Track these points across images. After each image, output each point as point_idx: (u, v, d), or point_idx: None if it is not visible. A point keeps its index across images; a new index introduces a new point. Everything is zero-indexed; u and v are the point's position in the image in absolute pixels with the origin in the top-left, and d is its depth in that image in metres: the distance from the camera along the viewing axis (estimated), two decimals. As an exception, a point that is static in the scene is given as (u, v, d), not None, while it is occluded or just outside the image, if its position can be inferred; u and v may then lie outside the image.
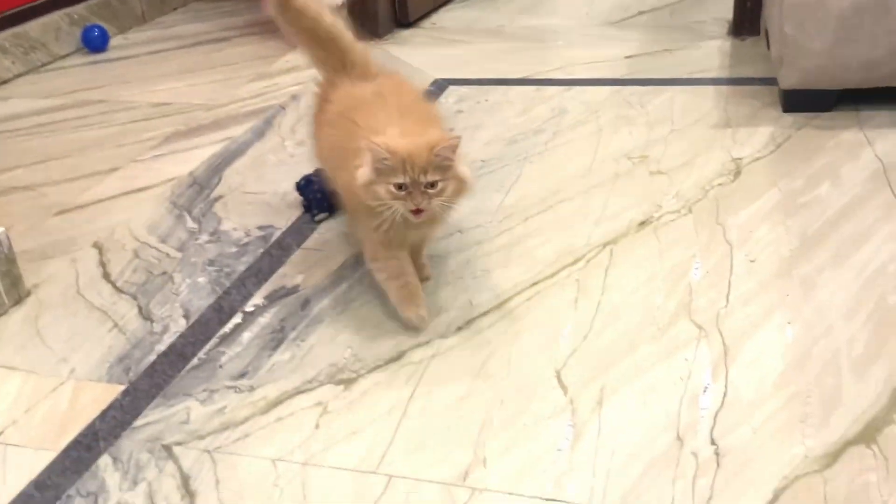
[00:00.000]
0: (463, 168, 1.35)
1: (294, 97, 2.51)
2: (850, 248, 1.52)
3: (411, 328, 1.45)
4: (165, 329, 1.54)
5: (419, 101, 1.60)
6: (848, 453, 1.11)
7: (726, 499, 1.07)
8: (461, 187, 1.35)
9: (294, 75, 2.70)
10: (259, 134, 2.32)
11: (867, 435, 1.13)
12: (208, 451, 1.24)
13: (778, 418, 1.18)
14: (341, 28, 1.59)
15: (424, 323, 1.45)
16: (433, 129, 1.42)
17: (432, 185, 1.30)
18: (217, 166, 2.15)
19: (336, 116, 1.52)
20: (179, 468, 1.22)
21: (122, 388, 1.40)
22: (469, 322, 1.47)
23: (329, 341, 1.46)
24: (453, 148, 1.30)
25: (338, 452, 1.22)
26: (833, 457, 1.11)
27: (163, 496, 1.17)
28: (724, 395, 1.24)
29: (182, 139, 2.34)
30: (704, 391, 1.25)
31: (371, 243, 1.48)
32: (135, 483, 1.20)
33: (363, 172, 1.32)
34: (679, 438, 1.17)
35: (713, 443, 1.15)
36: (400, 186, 1.29)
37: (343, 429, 1.26)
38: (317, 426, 1.27)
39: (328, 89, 1.61)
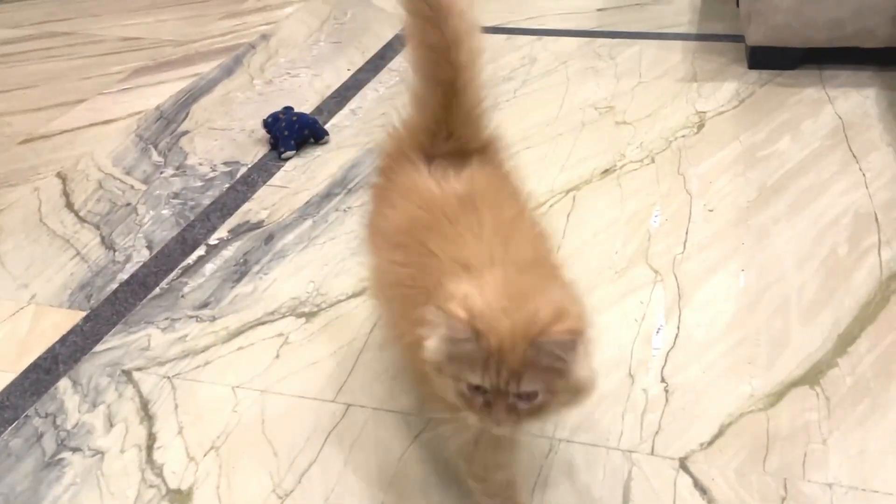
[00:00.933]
0: (582, 371, 0.79)
1: (264, 36, 2.46)
2: (805, 201, 1.53)
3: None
4: (128, 259, 1.51)
5: (526, 215, 1.00)
6: (792, 393, 1.13)
7: (673, 432, 1.09)
8: (574, 398, 0.81)
9: (264, 14, 2.64)
10: (228, 71, 2.27)
11: (811, 377, 1.15)
12: (168, 377, 1.23)
13: (727, 359, 1.20)
14: (475, 63, 0.98)
15: None
16: (549, 282, 0.85)
17: (527, 396, 0.77)
18: (184, 101, 2.10)
19: (400, 232, 0.97)
20: (139, 392, 1.21)
21: (83, 314, 1.38)
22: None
23: (292, 275, 1.44)
24: (572, 343, 0.76)
25: (297, 381, 1.22)
26: (777, 396, 1.13)
27: (121, 418, 1.17)
28: (676, 336, 1.25)
29: (150, 74, 2.29)
30: (657, 332, 1.26)
31: (462, 446, 0.94)
32: (94, 405, 1.19)
33: (432, 347, 0.80)
34: (630, 375, 1.18)
35: (663, 380, 1.17)
36: (476, 388, 0.78)
37: (303, 359, 1.26)
38: (277, 356, 1.27)
39: (396, 170, 1.03)
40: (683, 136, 1.79)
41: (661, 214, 1.54)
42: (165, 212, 1.65)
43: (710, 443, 1.07)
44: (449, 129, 1.00)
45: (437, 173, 0.98)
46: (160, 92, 2.16)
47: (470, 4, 0.95)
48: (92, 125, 2.02)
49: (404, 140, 1.03)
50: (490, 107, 1.02)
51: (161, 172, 1.79)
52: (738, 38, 2.17)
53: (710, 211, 1.54)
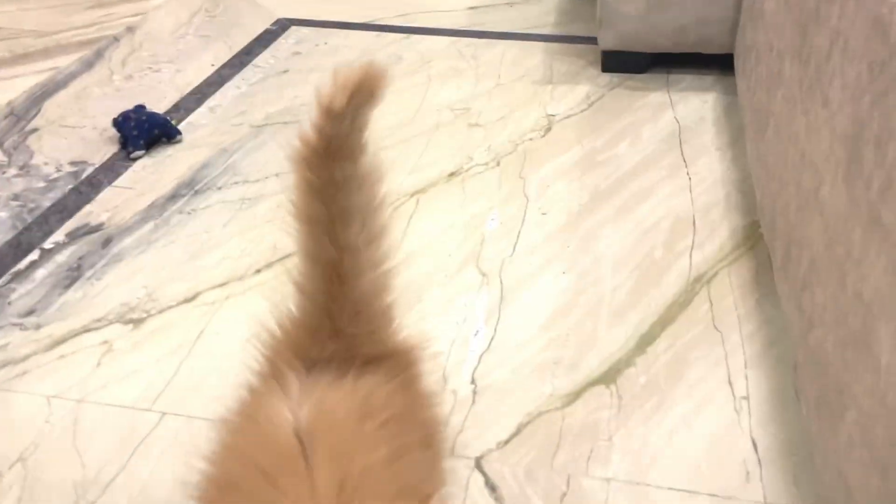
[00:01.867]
0: None
1: (129, 28, 2.41)
2: (632, 205, 1.61)
3: None
4: (-43, 263, 1.48)
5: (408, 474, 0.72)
6: (589, 392, 1.20)
7: (474, 433, 1.14)
8: None
9: (133, 5, 2.58)
10: (88, 65, 2.22)
11: (609, 376, 1.22)
12: (-18, 387, 1.22)
13: (536, 359, 1.26)
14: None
15: None
16: None
17: None
18: (38, 97, 2.05)
19: (213, 487, 0.71)
20: (-51, 405, 1.20)
21: None
22: (269, 265, 1.48)
23: (125, 280, 1.44)
24: None
25: (115, 390, 1.22)
26: (575, 395, 1.19)
27: (-72, 432, 1.15)
28: (493, 337, 1.31)
29: (5, 66, 2.21)
30: (475, 334, 1.31)
31: None
32: None
33: None
34: (444, 378, 1.23)
35: (473, 382, 1.22)
36: None
37: (125, 367, 1.26)
38: (98, 364, 1.27)
39: (254, 387, 0.78)
40: (530, 140, 1.85)
41: (498, 218, 1.59)
42: (3, 214, 1.61)
43: (507, 441, 1.13)
44: (333, 326, 0.76)
45: (298, 395, 0.72)
46: (14, 86, 2.09)
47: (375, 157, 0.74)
48: (-63, 121, 1.96)
49: (277, 341, 0.78)
50: (398, 301, 0.81)
51: (3, 172, 1.75)
52: (595, 41, 2.24)
53: (544, 214, 1.60)
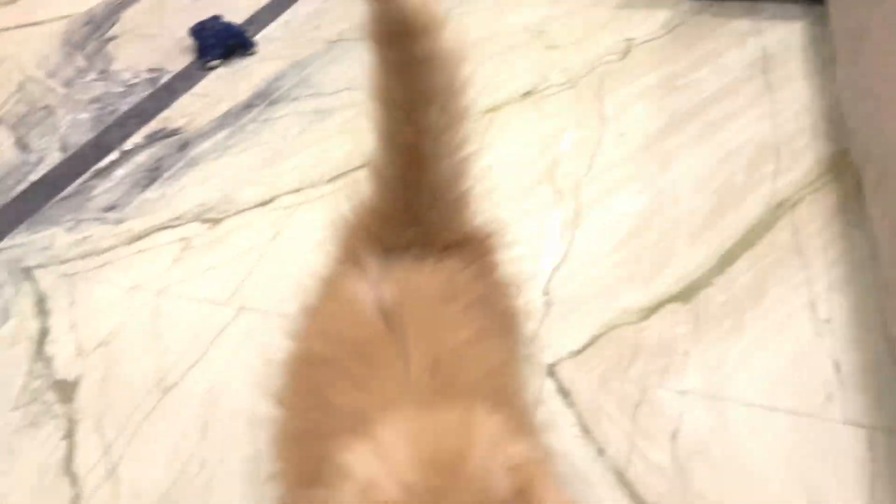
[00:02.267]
0: None
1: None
2: (713, 130, 1.55)
3: None
4: (41, 160, 1.51)
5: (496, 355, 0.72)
6: (664, 308, 1.17)
7: (547, 341, 1.13)
8: None
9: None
10: (164, -23, 2.22)
11: (685, 294, 1.20)
12: (67, 275, 1.25)
13: (610, 275, 1.24)
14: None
15: None
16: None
17: None
18: (116, 6, 2.06)
19: (301, 362, 0.72)
20: (37, 289, 1.23)
21: (-11, 212, 1.39)
22: (342, 174, 1.48)
23: (202, 183, 1.45)
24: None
25: (193, 285, 1.24)
26: (651, 311, 1.17)
27: (17, 312, 1.19)
28: (567, 252, 1.29)
29: (83, -23, 2.24)
30: (549, 249, 1.29)
31: None
32: (-10, 300, 1.22)
33: None
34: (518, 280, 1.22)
35: (546, 293, 1.21)
36: None
37: (202, 264, 1.28)
38: (176, 260, 1.29)
39: (334, 271, 0.78)
40: (607, 63, 1.80)
41: (573, 138, 1.56)
42: (83, 116, 1.64)
43: (580, 352, 1.11)
44: (411, 212, 0.74)
45: (378, 277, 0.71)
46: (92, -4, 2.12)
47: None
48: (20, 27, 1.98)
49: (355, 228, 0.78)
50: (477, 188, 0.77)
51: (83, 77, 1.77)
52: (677, -33, 2.16)
53: (621, 136, 1.56)
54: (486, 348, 0.69)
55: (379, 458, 0.52)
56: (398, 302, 0.68)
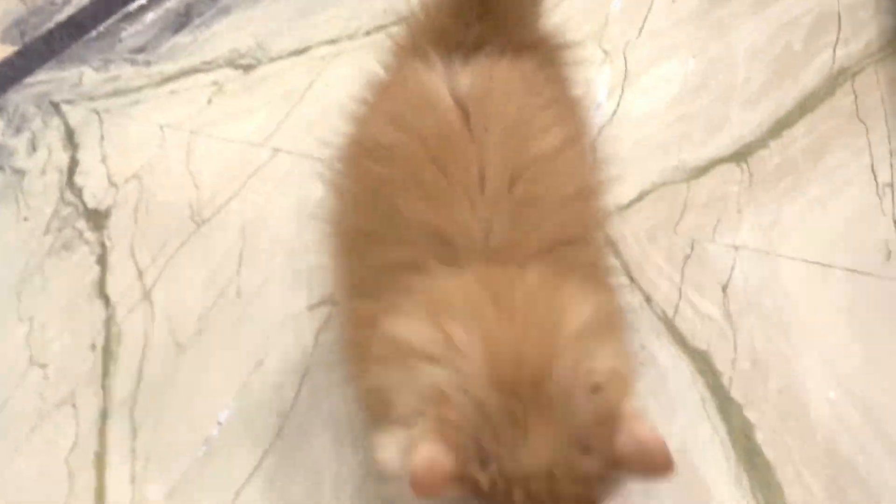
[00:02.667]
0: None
1: None
2: (768, 0, 1.47)
3: None
4: (67, 1, 1.45)
5: (570, 153, 0.65)
6: (717, 168, 1.12)
7: (593, 195, 1.08)
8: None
9: None
10: None
11: (739, 155, 1.14)
12: (96, 112, 1.21)
13: (660, 135, 1.18)
14: None
15: None
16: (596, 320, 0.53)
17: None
18: None
19: (367, 159, 0.66)
20: (65, 122, 1.19)
21: (14, 48, 1.33)
22: (379, 28, 1.41)
23: (234, 30, 1.39)
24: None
25: (227, 126, 1.19)
26: (702, 170, 1.12)
27: (45, 144, 1.15)
28: (615, 112, 1.23)
29: None
30: (596, 107, 1.24)
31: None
32: (18, 131, 1.17)
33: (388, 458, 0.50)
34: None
35: (591, 150, 1.16)
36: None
37: (236, 107, 1.23)
38: (209, 102, 1.23)
39: (396, 68, 0.74)
40: (660, -70, 1.70)
41: (623, 1, 1.48)
42: (111, -40, 1.56)
43: (628, 206, 1.07)
44: (480, 6, 0.68)
45: (447, 72, 0.64)
46: None
47: None
48: None
49: (420, 25, 0.72)
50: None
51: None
52: None
53: (673, 2, 1.47)
54: (567, 165, 0.64)
55: (452, 367, 0.48)
56: (476, 95, 0.62)
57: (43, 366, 0.90)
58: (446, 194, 0.58)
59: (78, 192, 1.07)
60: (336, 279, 0.67)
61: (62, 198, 1.06)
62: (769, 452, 0.79)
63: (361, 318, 0.58)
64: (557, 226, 0.58)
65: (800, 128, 1.18)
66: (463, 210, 0.57)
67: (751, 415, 0.82)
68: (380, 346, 0.51)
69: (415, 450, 0.45)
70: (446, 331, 0.49)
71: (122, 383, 0.88)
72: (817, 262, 0.98)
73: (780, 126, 1.19)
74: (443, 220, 0.57)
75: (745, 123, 1.20)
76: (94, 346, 0.91)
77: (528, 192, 0.58)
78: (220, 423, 0.83)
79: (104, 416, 0.85)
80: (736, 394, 0.84)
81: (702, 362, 0.88)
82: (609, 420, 0.46)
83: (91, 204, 1.06)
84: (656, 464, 0.45)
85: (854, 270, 0.97)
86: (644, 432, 0.46)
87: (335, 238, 0.67)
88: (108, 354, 0.90)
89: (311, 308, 0.94)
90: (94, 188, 1.08)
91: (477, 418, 0.46)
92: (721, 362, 0.87)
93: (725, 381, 0.85)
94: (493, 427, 0.45)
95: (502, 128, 0.60)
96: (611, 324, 0.53)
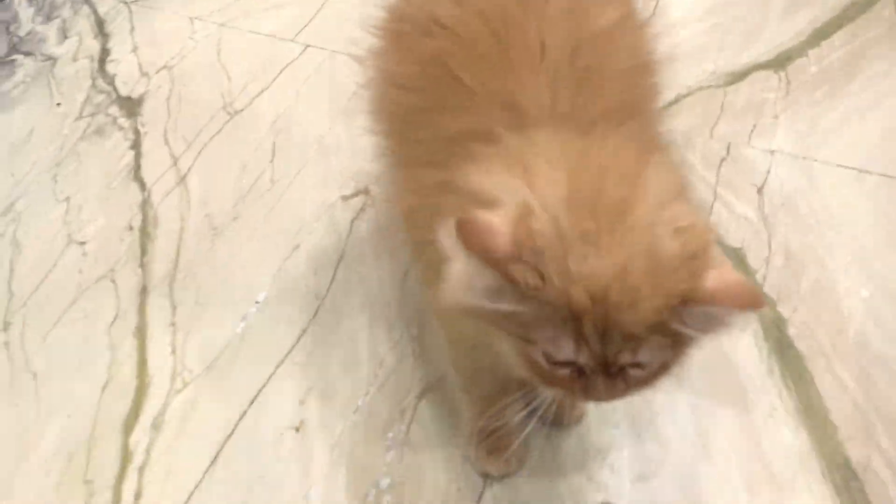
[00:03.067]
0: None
1: None
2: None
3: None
4: None
5: (631, 23, 0.65)
6: (754, 75, 1.10)
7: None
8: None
9: None
10: None
11: (777, 62, 1.12)
12: (125, 2, 1.19)
13: (696, 40, 1.16)
14: None
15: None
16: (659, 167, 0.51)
17: (638, 365, 0.49)
18: None
19: (416, 26, 0.63)
20: (94, 12, 1.17)
21: (40, -63, 1.30)
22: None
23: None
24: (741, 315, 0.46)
25: (257, 20, 1.17)
26: (740, 76, 1.10)
27: (76, 32, 1.13)
28: (651, 16, 1.20)
29: None
30: (632, 12, 1.21)
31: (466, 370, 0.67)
32: (48, 19, 1.15)
33: (455, 287, 0.48)
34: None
35: (629, 53, 1.14)
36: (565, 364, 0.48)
37: (266, 1, 1.21)
38: (240, -4, 1.22)
39: None
40: None
41: None
42: None
43: (664, 109, 1.05)
44: None
45: None
46: None
47: None
48: None
49: None
50: None
51: None
52: None
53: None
54: (625, 41, 0.61)
55: (534, 189, 0.46)
56: None
57: (81, 244, 0.91)
58: (510, 64, 0.56)
59: (110, 80, 1.06)
60: (391, 155, 0.67)
61: (94, 85, 1.05)
62: (801, 346, 0.79)
63: (427, 186, 0.57)
64: (619, 97, 0.57)
65: (839, 37, 1.16)
66: (528, 77, 0.56)
67: (783, 310, 0.82)
68: (455, 201, 0.50)
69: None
70: (527, 178, 0.47)
71: (160, 263, 0.88)
72: (853, 168, 0.97)
73: (819, 35, 1.16)
74: (509, 87, 0.55)
75: (783, 32, 1.17)
76: (131, 228, 0.91)
77: (589, 63, 0.57)
78: (257, 303, 0.84)
79: (143, 292, 0.86)
80: (769, 290, 0.84)
81: (735, 260, 0.88)
82: (696, 259, 0.45)
83: (123, 92, 1.05)
84: (747, 298, 0.44)
85: (890, 176, 0.96)
86: (734, 275, 0.45)
87: (385, 119, 0.66)
88: (145, 235, 0.91)
89: (346, 199, 0.94)
90: (125, 77, 1.07)
91: (552, 231, 0.44)
92: (755, 260, 0.87)
93: (759, 277, 0.86)
94: (564, 241, 0.44)
95: (560, 4, 0.59)
96: (686, 189, 0.52)
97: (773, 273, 0.86)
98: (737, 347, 0.79)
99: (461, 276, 0.45)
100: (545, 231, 0.44)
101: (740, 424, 0.73)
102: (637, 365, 0.48)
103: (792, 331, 0.80)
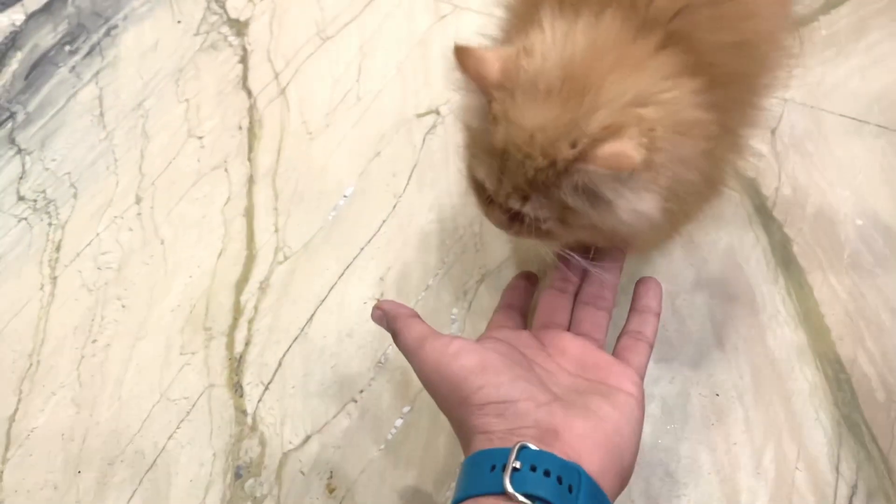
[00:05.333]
0: (634, 207, 0.42)
1: None
2: None
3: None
4: None
5: None
6: (772, 35, 1.05)
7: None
8: (626, 235, 0.47)
9: None
10: None
11: (793, 25, 1.06)
12: (234, -61, 1.13)
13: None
14: None
15: None
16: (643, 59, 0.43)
17: (517, 215, 0.47)
18: None
19: None
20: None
21: None
22: None
23: None
24: (617, 177, 0.40)
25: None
26: (759, 35, 1.05)
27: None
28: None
29: None
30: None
31: None
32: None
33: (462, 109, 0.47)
34: None
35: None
36: (477, 184, 0.48)
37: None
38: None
39: None
40: None
41: None
42: None
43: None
44: None
45: None
46: None
47: None
48: None
49: None
50: None
51: None
52: None
53: None
54: None
55: (544, 42, 0.42)
56: None
57: (199, 138, 0.88)
58: None
59: (222, 4, 1.02)
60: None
61: (208, 7, 1.01)
62: (802, 261, 0.77)
63: None
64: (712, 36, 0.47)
65: (846, 8, 1.09)
66: None
67: (789, 231, 0.79)
68: None
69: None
70: (549, 33, 0.43)
71: (264, 158, 0.86)
72: (854, 118, 0.93)
73: (829, 5, 1.10)
74: None
75: (799, 0, 1.11)
76: (240, 128, 0.89)
77: None
78: (345, 197, 0.82)
79: (251, 181, 0.84)
80: (777, 214, 0.81)
81: (749, 187, 0.84)
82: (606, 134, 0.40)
83: (233, 15, 1.01)
84: (613, 161, 0.39)
85: (885, 127, 0.92)
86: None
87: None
88: (252, 134, 0.88)
89: (419, 116, 0.90)
90: (234, 2, 1.03)
91: (530, 76, 0.41)
92: (766, 188, 0.84)
93: (769, 203, 0.82)
94: (530, 87, 0.41)
95: None
96: (684, 126, 0.43)
97: (781, 200, 0.83)
98: (749, 258, 0.76)
99: (463, 103, 0.45)
100: (528, 72, 0.41)
101: (749, 322, 0.72)
102: (515, 215, 0.46)
103: (795, 248, 0.78)
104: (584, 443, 0.40)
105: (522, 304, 0.56)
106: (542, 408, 0.42)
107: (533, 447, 0.39)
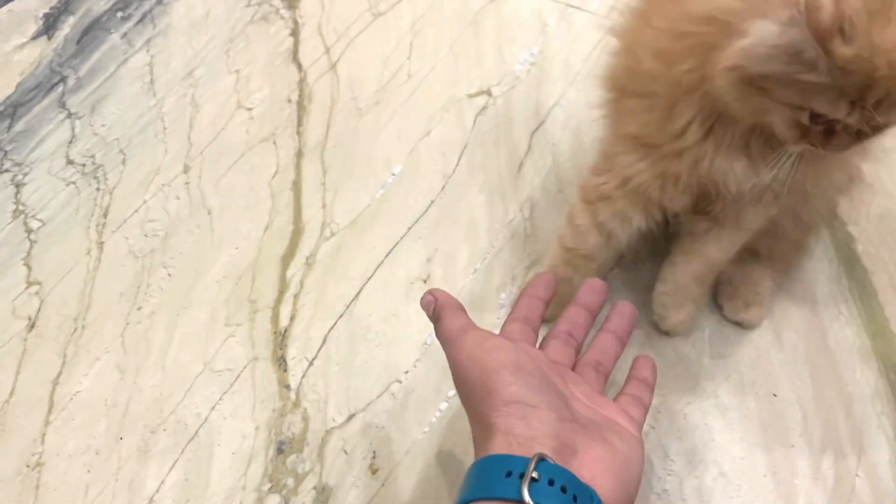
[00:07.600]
0: None
1: None
2: None
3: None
4: None
5: None
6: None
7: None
8: None
9: None
10: None
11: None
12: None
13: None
14: None
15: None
16: None
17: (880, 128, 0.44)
18: None
19: None
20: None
21: None
22: None
23: None
24: None
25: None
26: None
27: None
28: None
29: None
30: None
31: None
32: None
33: (752, 45, 0.42)
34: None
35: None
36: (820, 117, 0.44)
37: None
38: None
39: None
40: None
41: None
42: None
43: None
44: None
45: None
46: None
47: None
48: None
49: None
50: None
51: None
52: None
53: None
54: None
55: None
56: None
57: (248, 109, 0.87)
58: None
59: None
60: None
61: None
62: (867, 262, 0.73)
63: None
64: None
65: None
66: None
67: (853, 230, 0.76)
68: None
69: None
70: None
71: (313, 132, 0.84)
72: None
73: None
74: None
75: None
76: (289, 101, 0.87)
77: None
78: (394, 175, 0.80)
79: (299, 155, 0.82)
80: (841, 213, 0.77)
81: (811, 183, 0.81)
82: None
83: (288, -21, 0.99)
84: None
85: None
86: None
87: None
88: (301, 108, 0.86)
89: (471, 96, 0.88)
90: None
91: (859, 6, 0.39)
92: (829, 185, 0.81)
93: (832, 200, 0.79)
94: (868, 16, 0.39)
95: None
96: None
97: (844, 198, 0.79)
98: (812, 258, 0.73)
99: (757, 47, 0.41)
100: (855, 6, 0.39)
101: (809, 323, 0.68)
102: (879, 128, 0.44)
103: (860, 248, 0.74)
104: (598, 466, 0.40)
105: (536, 318, 0.55)
106: (565, 423, 0.42)
107: (551, 461, 0.39)
